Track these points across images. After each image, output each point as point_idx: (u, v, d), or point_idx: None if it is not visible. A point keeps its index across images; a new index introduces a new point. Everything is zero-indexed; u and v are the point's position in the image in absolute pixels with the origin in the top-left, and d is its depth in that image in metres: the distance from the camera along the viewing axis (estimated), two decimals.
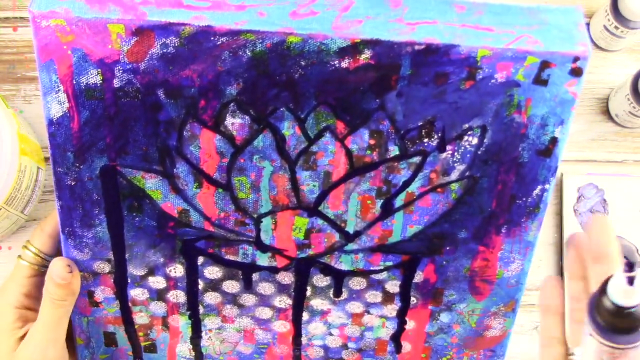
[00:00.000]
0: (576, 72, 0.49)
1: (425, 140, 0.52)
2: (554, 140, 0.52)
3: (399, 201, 0.55)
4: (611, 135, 0.80)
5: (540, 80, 0.49)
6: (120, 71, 0.49)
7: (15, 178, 0.68)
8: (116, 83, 0.50)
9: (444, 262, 0.59)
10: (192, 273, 0.60)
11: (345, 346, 0.65)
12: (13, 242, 0.75)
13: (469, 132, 0.52)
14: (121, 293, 0.61)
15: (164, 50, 0.48)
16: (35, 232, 0.60)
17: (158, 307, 0.62)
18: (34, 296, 0.59)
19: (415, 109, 0.51)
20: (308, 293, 0.61)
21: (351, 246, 0.58)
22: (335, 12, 0.49)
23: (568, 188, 0.78)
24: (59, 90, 0.50)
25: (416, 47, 0.48)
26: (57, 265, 0.56)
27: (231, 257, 0.59)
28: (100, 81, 0.50)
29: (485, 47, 0.48)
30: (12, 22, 0.79)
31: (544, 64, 0.48)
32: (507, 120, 0.51)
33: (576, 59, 0.48)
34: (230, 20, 0.48)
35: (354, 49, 0.48)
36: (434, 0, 0.50)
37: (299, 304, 0.62)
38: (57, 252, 0.59)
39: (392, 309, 0.62)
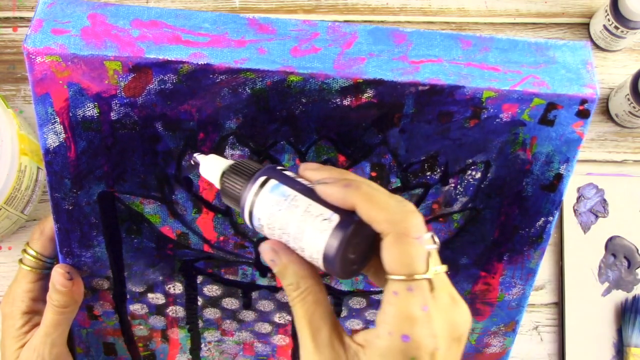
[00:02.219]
0: (583, 114, 0.48)
1: (428, 173, 0.51)
2: (558, 177, 0.51)
3: None
4: (611, 135, 0.80)
5: (546, 121, 0.48)
6: (118, 105, 0.48)
7: (15, 178, 0.67)
8: (113, 116, 0.49)
9: None
10: (192, 291, 0.60)
11: None
12: (13, 242, 0.75)
13: (473, 167, 0.51)
14: (120, 308, 0.61)
15: (162, 87, 0.47)
16: (34, 235, 0.59)
17: (157, 321, 0.62)
18: (42, 300, 0.59)
19: (418, 145, 0.50)
20: None
21: None
22: (337, 48, 0.47)
23: (568, 188, 0.78)
24: (55, 122, 0.49)
25: (420, 88, 0.47)
26: (58, 273, 0.56)
27: (230, 277, 0.59)
28: (97, 114, 0.49)
29: (491, 88, 0.47)
30: (12, 22, 0.77)
31: (551, 106, 0.47)
32: (512, 157, 0.50)
33: (583, 101, 0.47)
34: (230, 58, 0.46)
35: (356, 88, 0.47)
36: (439, 35, 0.48)
37: None
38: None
39: None
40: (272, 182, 0.43)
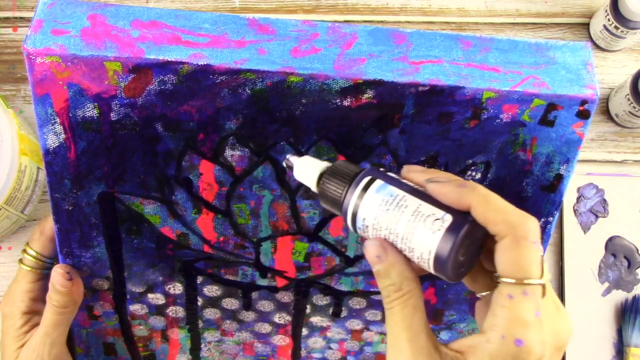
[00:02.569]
0: (583, 115, 0.48)
1: None
2: (559, 177, 0.51)
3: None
4: (611, 135, 0.79)
5: (546, 122, 0.48)
6: (117, 105, 0.48)
7: (15, 178, 0.67)
8: (113, 116, 0.49)
9: (445, 286, 0.58)
10: (191, 291, 0.60)
11: (344, 359, 0.65)
12: (13, 242, 0.75)
13: (473, 168, 0.51)
14: (120, 308, 0.61)
15: (162, 87, 0.47)
16: (34, 235, 0.59)
17: (157, 321, 0.62)
18: (42, 299, 0.59)
19: (419, 145, 0.50)
20: (308, 311, 0.61)
21: (352, 269, 0.58)
22: (337, 49, 0.47)
23: (568, 188, 0.78)
24: (55, 122, 0.49)
25: (420, 89, 0.47)
26: (57, 273, 0.56)
27: (230, 277, 0.59)
28: (97, 114, 0.49)
29: (491, 89, 0.47)
30: (12, 22, 0.77)
31: (551, 107, 0.47)
32: (512, 157, 0.50)
33: (584, 102, 0.47)
34: (230, 59, 0.46)
35: (356, 89, 0.47)
36: (439, 36, 0.48)
37: (299, 320, 0.62)
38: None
39: None
40: (379, 182, 0.43)
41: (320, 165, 0.46)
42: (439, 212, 0.40)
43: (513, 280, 0.39)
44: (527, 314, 0.39)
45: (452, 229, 0.39)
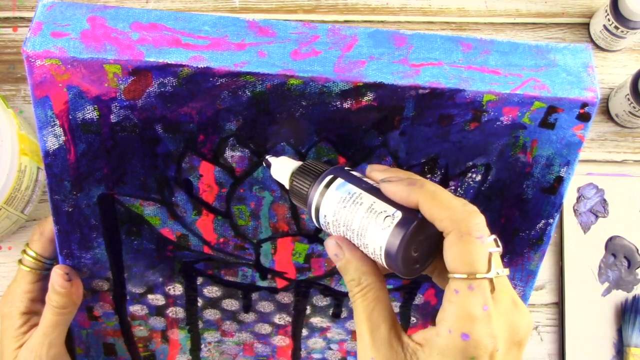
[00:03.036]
0: (584, 118, 0.48)
1: (428, 175, 0.51)
2: (559, 179, 0.51)
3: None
4: (611, 135, 0.79)
5: (546, 124, 0.48)
6: (117, 107, 0.48)
7: (15, 178, 0.67)
8: (113, 118, 0.49)
9: None
10: (191, 292, 0.60)
11: None
12: (13, 242, 0.75)
13: (473, 170, 0.51)
14: (120, 309, 0.61)
15: (162, 89, 0.47)
16: (34, 236, 0.59)
17: (157, 322, 0.62)
18: (41, 300, 0.59)
19: (419, 147, 0.50)
20: (308, 311, 0.61)
21: None
22: (337, 51, 0.47)
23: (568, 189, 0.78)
24: (54, 124, 0.49)
25: (420, 91, 0.47)
26: (57, 274, 0.56)
27: (230, 278, 0.59)
28: (97, 116, 0.48)
29: (491, 92, 0.46)
30: (12, 22, 0.77)
31: (551, 109, 0.47)
32: (512, 160, 0.50)
33: (584, 104, 0.47)
34: (230, 61, 0.46)
35: (356, 91, 0.47)
36: (439, 38, 0.48)
37: (299, 321, 0.62)
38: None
39: None
40: (339, 180, 0.44)
41: (294, 164, 0.47)
42: (390, 209, 0.41)
43: (459, 276, 0.39)
44: (474, 308, 0.39)
45: (400, 225, 0.40)
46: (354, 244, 0.43)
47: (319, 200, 0.44)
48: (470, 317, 0.39)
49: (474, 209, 0.40)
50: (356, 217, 0.42)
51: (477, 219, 0.40)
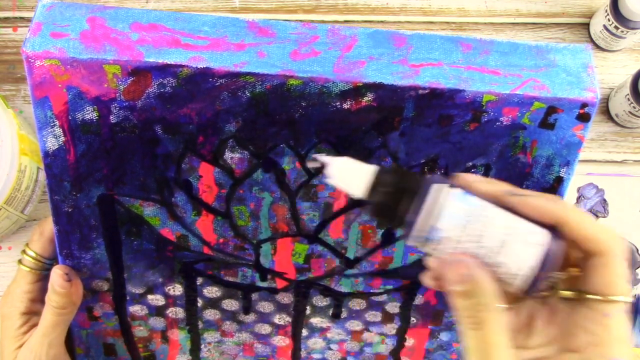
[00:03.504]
0: (584, 118, 0.48)
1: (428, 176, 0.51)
2: (559, 180, 0.51)
3: (400, 231, 0.55)
4: (611, 135, 0.79)
5: (546, 124, 0.48)
6: (117, 108, 0.48)
7: (15, 178, 0.67)
8: (112, 119, 0.49)
9: None
10: (191, 292, 0.60)
11: None
12: (13, 242, 0.75)
13: (473, 170, 0.51)
14: (120, 309, 0.61)
15: (161, 90, 0.47)
16: (34, 236, 0.59)
17: (157, 322, 0.62)
18: (41, 300, 0.59)
19: (418, 148, 0.50)
20: (307, 312, 0.61)
21: (351, 270, 0.58)
22: (337, 52, 0.47)
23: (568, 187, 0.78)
24: (54, 125, 0.49)
25: (420, 92, 0.47)
26: (56, 274, 0.56)
27: (230, 279, 0.59)
28: (97, 117, 0.48)
29: (491, 92, 0.46)
30: (12, 22, 0.77)
31: (551, 110, 0.47)
32: (512, 160, 0.50)
33: (584, 105, 0.47)
34: (229, 62, 0.46)
35: (356, 92, 0.47)
36: (439, 38, 0.48)
37: (299, 321, 0.62)
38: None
39: (391, 328, 0.62)
40: (457, 190, 0.40)
41: (368, 168, 0.41)
42: (534, 227, 0.39)
43: (617, 298, 0.39)
44: (624, 332, 0.39)
45: (552, 245, 0.38)
46: (482, 263, 0.39)
47: (429, 213, 0.39)
48: (621, 341, 0.39)
49: (615, 231, 0.40)
50: (489, 233, 0.39)
51: (623, 241, 0.40)
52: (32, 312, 0.59)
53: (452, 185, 0.40)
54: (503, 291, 0.40)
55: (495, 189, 0.41)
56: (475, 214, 0.39)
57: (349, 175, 0.41)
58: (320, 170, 0.42)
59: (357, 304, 0.60)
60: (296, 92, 0.47)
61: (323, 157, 0.42)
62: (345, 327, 0.62)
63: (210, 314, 0.61)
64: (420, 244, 0.40)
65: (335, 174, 0.41)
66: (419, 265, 0.57)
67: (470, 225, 0.39)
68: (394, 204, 0.40)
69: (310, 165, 0.43)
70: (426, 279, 0.43)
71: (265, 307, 0.61)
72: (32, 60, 0.46)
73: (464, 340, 0.39)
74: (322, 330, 0.62)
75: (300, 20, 0.79)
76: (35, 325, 0.58)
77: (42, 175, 0.73)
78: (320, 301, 0.60)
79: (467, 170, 0.51)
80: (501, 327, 0.39)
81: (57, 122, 0.48)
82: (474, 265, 0.39)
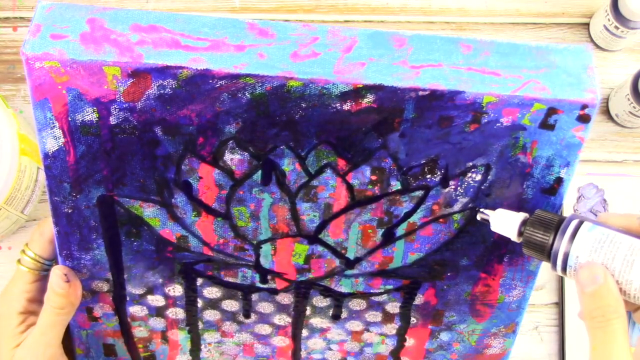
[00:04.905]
0: (584, 119, 0.48)
1: (428, 176, 0.51)
2: (559, 180, 0.51)
3: (400, 230, 0.55)
4: (611, 135, 0.79)
5: (546, 125, 0.48)
6: (117, 109, 0.48)
7: (15, 178, 0.67)
8: (112, 120, 0.49)
9: (445, 287, 0.58)
10: (191, 293, 0.60)
11: None
12: (13, 242, 0.75)
13: (473, 170, 0.51)
14: (120, 309, 0.61)
15: (161, 91, 0.47)
16: (33, 237, 0.59)
17: (157, 323, 0.62)
18: (39, 300, 0.59)
19: (419, 149, 0.50)
20: (308, 312, 0.61)
21: (351, 271, 0.58)
22: (337, 53, 0.47)
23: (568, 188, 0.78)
24: (54, 126, 0.49)
25: (420, 93, 0.47)
26: (55, 275, 0.56)
27: (230, 279, 0.59)
28: (96, 118, 0.48)
29: (491, 93, 0.46)
30: (12, 22, 0.77)
31: (551, 111, 0.47)
32: (512, 160, 0.50)
33: (584, 106, 0.47)
34: (229, 63, 0.46)
35: (356, 93, 0.47)
36: (439, 39, 0.48)
37: (299, 322, 0.62)
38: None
39: (391, 328, 0.62)
40: (587, 224, 0.46)
41: (517, 217, 0.49)
42: None
43: None
44: None
45: None
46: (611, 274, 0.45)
47: (568, 245, 0.46)
48: None
49: None
50: (618, 255, 0.44)
51: None
52: (30, 312, 0.59)
53: (582, 221, 0.47)
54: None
55: (627, 219, 0.47)
56: (606, 241, 0.45)
57: (505, 223, 0.50)
58: (486, 221, 0.51)
59: (357, 304, 0.60)
60: (296, 94, 0.47)
61: (487, 212, 0.51)
62: (345, 328, 0.62)
63: (210, 315, 0.61)
64: (562, 272, 0.47)
65: (495, 223, 0.50)
66: (419, 265, 0.57)
67: (601, 250, 0.45)
68: (541, 241, 0.48)
69: (480, 217, 0.52)
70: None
71: (265, 307, 0.61)
72: (32, 62, 0.46)
73: (590, 339, 0.45)
74: (322, 331, 0.62)
75: (301, 20, 0.79)
76: (32, 325, 0.58)
77: (42, 175, 0.73)
78: (321, 301, 0.60)
79: (467, 170, 0.51)
80: (624, 330, 0.44)
81: (56, 124, 0.48)
82: (604, 270, 0.45)
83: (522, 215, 0.49)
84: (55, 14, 0.47)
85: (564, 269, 0.47)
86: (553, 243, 0.47)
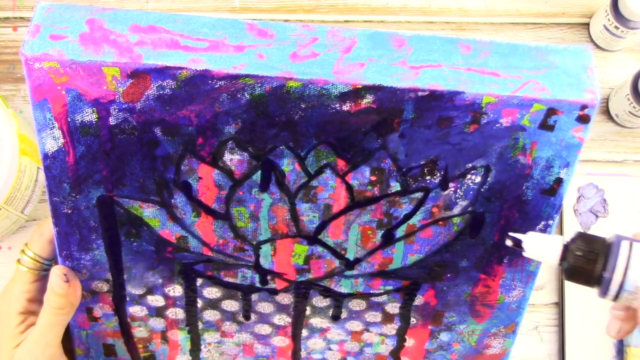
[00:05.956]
0: (583, 119, 0.48)
1: (428, 177, 0.51)
2: (559, 181, 0.51)
3: (399, 232, 0.55)
4: (611, 135, 0.79)
5: (546, 126, 0.48)
6: (116, 110, 0.48)
7: (15, 178, 0.67)
8: (112, 121, 0.49)
9: (445, 288, 0.58)
10: (191, 293, 0.60)
11: None
12: (13, 242, 0.75)
13: (473, 171, 0.51)
14: (120, 310, 0.61)
15: (161, 92, 0.47)
16: (33, 237, 0.59)
17: (157, 323, 0.62)
18: (38, 300, 0.59)
19: (418, 149, 0.50)
20: (307, 312, 0.61)
21: (351, 271, 0.58)
22: (336, 53, 0.47)
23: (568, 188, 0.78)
24: (53, 127, 0.49)
25: (420, 93, 0.46)
26: (55, 275, 0.56)
27: (230, 280, 0.59)
28: (96, 119, 0.48)
29: (491, 94, 0.46)
30: (12, 22, 0.77)
31: (551, 111, 0.47)
32: (512, 161, 0.50)
33: (584, 106, 0.47)
34: (229, 64, 0.46)
35: (355, 93, 0.47)
36: (439, 40, 0.48)
37: (299, 322, 0.62)
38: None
39: (391, 328, 0.62)
40: (638, 245, 0.45)
41: (557, 240, 0.48)
42: None
43: None
44: None
45: None
46: None
47: (623, 269, 0.45)
48: None
49: None
50: None
51: None
52: (29, 312, 0.59)
53: (633, 242, 0.46)
54: None
55: None
56: None
57: (542, 249, 0.48)
58: (517, 246, 0.49)
59: (357, 304, 0.60)
60: (295, 94, 0.47)
61: (518, 236, 0.49)
62: (345, 328, 0.62)
63: (210, 315, 0.61)
64: (616, 299, 0.46)
65: (530, 249, 0.48)
66: (419, 267, 0.57)
67: None
68: (588, 266, 0.46)
69: (509, 243, 0.49)
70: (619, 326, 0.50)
71: (265, 307, 0.61)
72: (31, 63, 0.46)
73: None
74: (322, 331, 0.62)
75: (301, 20, 0.79)
76: (32, 325, 0.58)
77: (42, 175, 0.72)
78: (320, 302, 0.60)
79: (467, 172, 0.51)
80: None
81: (56, 124, 0.48)
82: None
83: (561, 239, 0.48)
84: (54, 14, 0.47)
85: (617, 294, 0.45)
86: (605, 269, 0.46)
